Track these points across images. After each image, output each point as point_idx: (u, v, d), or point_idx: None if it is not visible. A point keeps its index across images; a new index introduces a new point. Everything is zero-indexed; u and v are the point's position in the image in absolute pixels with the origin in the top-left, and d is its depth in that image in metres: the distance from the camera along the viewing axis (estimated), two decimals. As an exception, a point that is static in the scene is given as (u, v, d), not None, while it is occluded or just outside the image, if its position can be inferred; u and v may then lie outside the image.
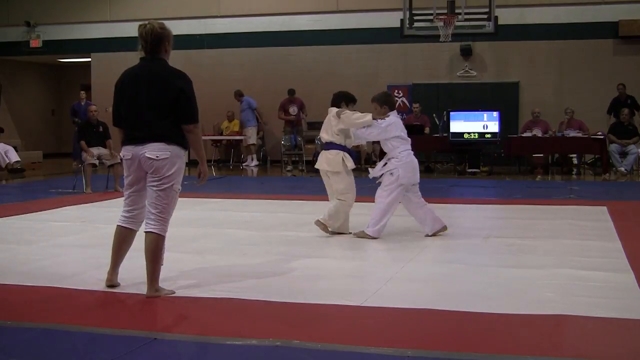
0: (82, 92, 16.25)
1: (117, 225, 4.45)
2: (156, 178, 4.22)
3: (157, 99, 4.18)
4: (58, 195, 10.04)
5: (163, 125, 4.18)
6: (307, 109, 15.73)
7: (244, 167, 15.94)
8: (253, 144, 16.03)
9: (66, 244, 6.14)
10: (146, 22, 4.29)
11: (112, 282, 4.49)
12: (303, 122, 15.61)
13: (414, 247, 5.86)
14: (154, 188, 4.24)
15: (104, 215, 7.97)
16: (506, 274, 4.88)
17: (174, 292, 4.38)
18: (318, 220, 6.37)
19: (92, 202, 9.15)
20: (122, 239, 4.42)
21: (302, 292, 4.37)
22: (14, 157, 13.42)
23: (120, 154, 4.40)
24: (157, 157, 4.18)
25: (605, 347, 3.38)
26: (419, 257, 5.47)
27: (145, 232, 4.27)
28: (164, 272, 4.87)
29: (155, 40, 4.24)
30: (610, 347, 3.37)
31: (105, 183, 10.72)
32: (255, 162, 15.99)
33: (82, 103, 15.44)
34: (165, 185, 4.22)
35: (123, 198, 4.49)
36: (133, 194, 4.37)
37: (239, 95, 16.16)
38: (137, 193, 4.36)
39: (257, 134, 16.29)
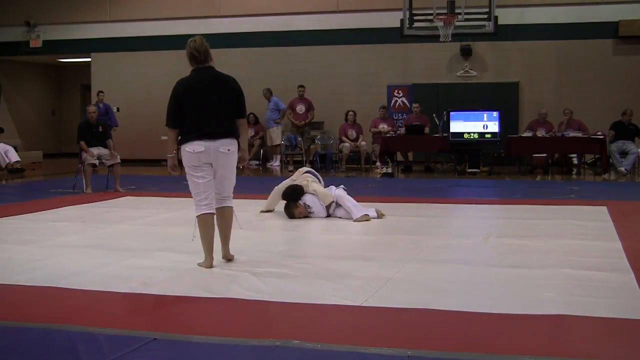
0: (101, 92, 15.63)
1: (201, 215, 5.04)
2: (228, 168, 5.07)
3: (225, 100, 5.05)
4: (58, 195, 10.04)
5: (229, 122, 5.06)
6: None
7: (269, 166, 15.90)
8: (278, 145, 15.72)
9: (66, 244, 6.13)
10: (191, 38, 5.00)
11: (213, 264, 5.05)
12: (309, 120, 15.56)
13: (413, 247, 5.85)
14: (227, 175, 5.11)
15: (104, 215, 7.98)
16: (506, 274, 4.88)
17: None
18: None
19: (92, 202, 9.15)
20: (210, 225, 5.09)
21: (302, 292, 4.36)
22: (14, 157, 13.40)
23: (189, 148, 4.96)
24: (229, 150, 5.03)
25: (605, 347, 3.38)
26: (419, 257, 5.47)
27: (225, 207, 5.17)
28: (162, 272, 4.90)
29: (205, 51, 5.02)
30: (610, 347, 3.37)
31: (105, 183, 10.72)
32: (278, 162, 15.85)
33: (101, 105, 14.86)
34: (234, 173, 5.18)
35: (199, 190, 5.01)
36: (207, 182, 5.04)
37: (269, 93, 15.85)
38: (208, 181, 5.04)
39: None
